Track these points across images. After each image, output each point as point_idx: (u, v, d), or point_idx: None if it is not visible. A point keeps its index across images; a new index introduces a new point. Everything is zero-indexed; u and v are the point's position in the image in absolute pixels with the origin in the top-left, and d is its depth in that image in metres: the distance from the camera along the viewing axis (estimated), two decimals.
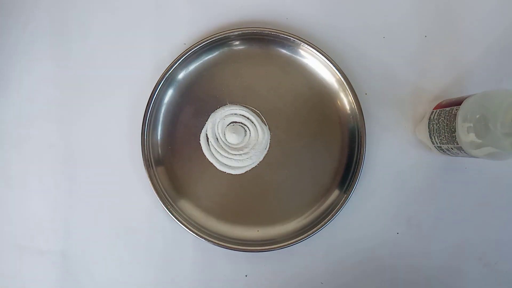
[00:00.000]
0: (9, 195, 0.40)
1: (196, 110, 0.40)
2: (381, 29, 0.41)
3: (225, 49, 0.40)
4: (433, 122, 0.37)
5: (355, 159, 0.38)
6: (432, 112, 0.38)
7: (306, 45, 0.39)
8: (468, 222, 0.40)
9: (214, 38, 0.39)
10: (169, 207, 0.38)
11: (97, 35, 0.41)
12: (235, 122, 0.39)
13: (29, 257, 0.40)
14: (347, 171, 0.39)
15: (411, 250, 0.40)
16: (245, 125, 0.39)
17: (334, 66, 0.38)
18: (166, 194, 0.39)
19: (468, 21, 0.41)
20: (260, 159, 0.39)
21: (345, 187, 0.38)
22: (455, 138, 0.34)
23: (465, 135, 0.33)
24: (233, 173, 0.39)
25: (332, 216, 0.38)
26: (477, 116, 0.31)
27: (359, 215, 0.40)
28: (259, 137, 0.39)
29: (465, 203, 0.40)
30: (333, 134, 0.39)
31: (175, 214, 0.38)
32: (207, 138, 0.39)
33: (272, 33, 0.39)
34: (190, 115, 0.40)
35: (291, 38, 0.39)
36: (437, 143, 0.37)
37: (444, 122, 0.35)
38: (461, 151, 0.35)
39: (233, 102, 0.40)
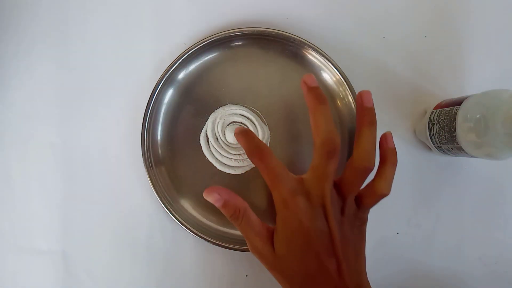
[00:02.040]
0: (9, 195, 0.40)
1: (196, 110, 0.40)
2: (381, 29, 0.41)
3: (225, 49, 0.40)
4: (433, 122, 0.37)
5: None
6: (432, 112, 0.38)
7: (306, 45, 0.39)
8: (468, 222, 0.40)
9: (214, 38, 0.39)
10: (169, 207, 0.38)
11: (97, 35, 0.41)
12: (235, 122, 0.39)
13: (29, 257, 0.40)
14: None
15: (411, 250, 0.40)
16: (245, 125, 0.39)
17: (334, 66, 0.39)
18: (166, 194, 0.39)
19: (468, 21, 0.41)
20: None
21: None
22: (455, 138, 0.34)
23: (465, 135, 0.33)
24: (233, 173, 0.39)
25: None
26: (477, 116, 0.31)
27: None
28: (259, 137, 0.39)
29: (465, 203, 0.40)
30: None
31: (175, 214, 0.38)
32: (207, 138, 0.39)
33: (272, 33, 0.39)
34: (190, 115, 0.40)
35: (291, 38, 0.39)
36: (437, 143, 0.37)
37: (444, 122, 0.35)
38: (461, 151, 0.35)
39: (233, 102, 0.40)
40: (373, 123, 0.32)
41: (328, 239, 0.30)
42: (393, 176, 0.33)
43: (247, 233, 0.33)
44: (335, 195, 0.32)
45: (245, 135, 0.33)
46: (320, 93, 0.32)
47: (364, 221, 0.33)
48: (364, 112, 0.32)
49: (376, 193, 0.32)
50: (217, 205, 0.32)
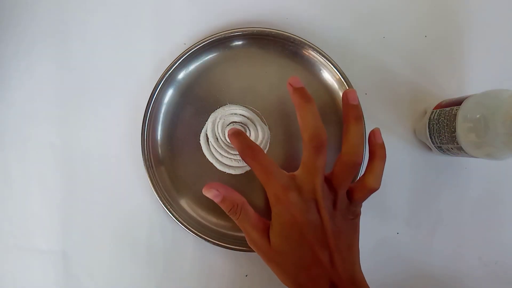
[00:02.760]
0: (9, 195, 0.40)
1: (196, 110, 0.40)
2: (381, 29, 0.41)
3: (225, 49, 0.40)
4: (433, 122, 0.37)
5: None
6: (432, 112, 0.38)
7: (306, 45, 0.39)
8: (468, 222, 0.40)
9: (214, 38, 0.39)
10: (169, 207, 0.38)
11: (97, 35, 0.41)
12: (235, 122, 0.39)
13: (29, 257, 0.40)
14: None
15: (411, 250, 0.40)
16: (245, 125, 0.39)
17: (334, 66, 0.39)
18: (166, 194, 0.39)
19: (468, 21, 0.41)
20: None
21: None
22: (455, 138, 0.34)
23: (465, 135, 0.33)
24: (233, 173, 0.39)
25: None
26: (477, 116, 0.31)
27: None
28: (259, 137, 0.39)
29: (465, 203, 0.40)
30: (333, 134, 0.39)
31: (175, 214, 0.38)
32: (207, 138, 0.39)
33: (272, 33, 0.39)
34: (190, 115, 0.40)
35: (291, 38, 0.39)
36: (437, 143, 0.37)
37: (444, 122, 0.35)
38: (461, 151, 0.35)
39: (233, 102, 0.40)
40: (359, 119, 0.33)
41: (321, 231, 0.31)
42: (383, 171, 0.33)
43: (245, 226, 0.34)
44: (326, 189, 0.33)
45: (237, 136, 0.34)
46: (305, 93, 0.33)
47: (356, 215, 0.34)
48: (350, 109, 0.33)
49: (366, 188, 0.33)
50: (216, 200, 0.34)
